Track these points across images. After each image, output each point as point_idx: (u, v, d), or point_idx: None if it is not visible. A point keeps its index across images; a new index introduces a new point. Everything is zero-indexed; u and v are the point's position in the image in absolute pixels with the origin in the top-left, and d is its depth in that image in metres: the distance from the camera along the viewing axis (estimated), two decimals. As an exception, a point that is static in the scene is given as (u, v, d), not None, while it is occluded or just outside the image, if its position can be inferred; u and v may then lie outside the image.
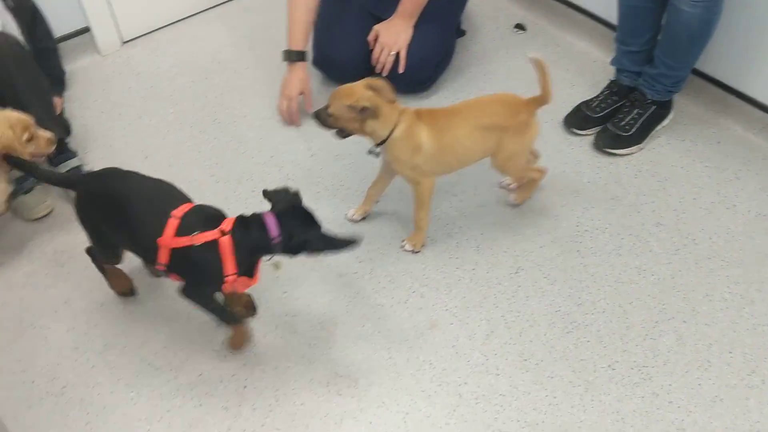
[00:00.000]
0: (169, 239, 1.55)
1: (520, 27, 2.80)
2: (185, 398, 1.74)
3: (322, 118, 1.91)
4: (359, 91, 1.82)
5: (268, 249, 1.56)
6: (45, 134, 1.89)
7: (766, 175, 2.22)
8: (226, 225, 1.55)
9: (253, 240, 1.55)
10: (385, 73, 2.43)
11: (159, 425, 1.70)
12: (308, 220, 1.59)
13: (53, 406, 1.74)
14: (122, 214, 1.61)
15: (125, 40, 2.81)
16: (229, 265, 1.53)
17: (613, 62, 2.39)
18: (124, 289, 1.94)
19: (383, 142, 1.87)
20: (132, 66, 2.72)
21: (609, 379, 1.76)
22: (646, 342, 1.83)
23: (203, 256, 1.54)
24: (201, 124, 2.47)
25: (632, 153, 2.29)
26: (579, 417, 1.69)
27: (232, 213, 2.14)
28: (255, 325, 1.88)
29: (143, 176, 1.70)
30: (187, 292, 1.67)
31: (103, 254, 1.82)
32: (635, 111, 2.30)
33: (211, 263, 1.54)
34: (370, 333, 1.87)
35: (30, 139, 1.84)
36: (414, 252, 2.07)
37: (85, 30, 2.70)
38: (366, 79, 1.86)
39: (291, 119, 2.46)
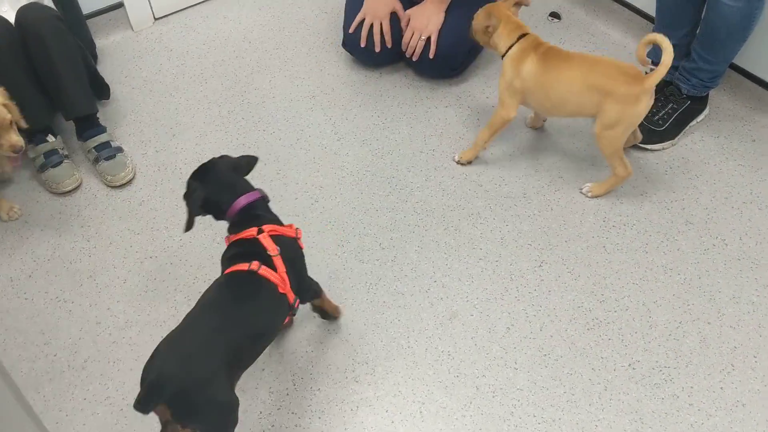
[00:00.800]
0: (285, 283, 1.51)
1: (554, 15, 2.75)
2: (204, 378, 1.76)
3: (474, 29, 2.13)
4: (496, 9, 2.04)
5: (267, 200, 1.62)
6: (11, 139, 1.87)
7: (801, 177, 2.17)
8: (251, 230, 1.53)
9: (269, 213, 1.61)
10: (415, 58, 2.41)
11: (177, 403, 1.72)
12: (225, 169, 1.60)
13: (74, 379, 1.77)
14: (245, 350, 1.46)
15: (157, 16, 2.81)
16: (291, 231, 1.59)
17: (649, 55, 2.33)
18: None
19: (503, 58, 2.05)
20: (164, 43, 2.72)
21: (629, 379, 1.73)
22: (668, 342, 1.80)
23: (290, 248, 1.56)
24: (229, 104, 2.47)
25: (664, 148, 2.25)
26: (597, 416, 1.67)
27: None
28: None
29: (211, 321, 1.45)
30: (308, 284, 1.68)
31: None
32: (669, 105, 2.25)
33: (293, 245, 1.58)
34: (389, 321, 1.86)
35: None
36: (457, 162, 2.23)
37: (119, 5, 2.71)
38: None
39: (386, 39, 2.41)
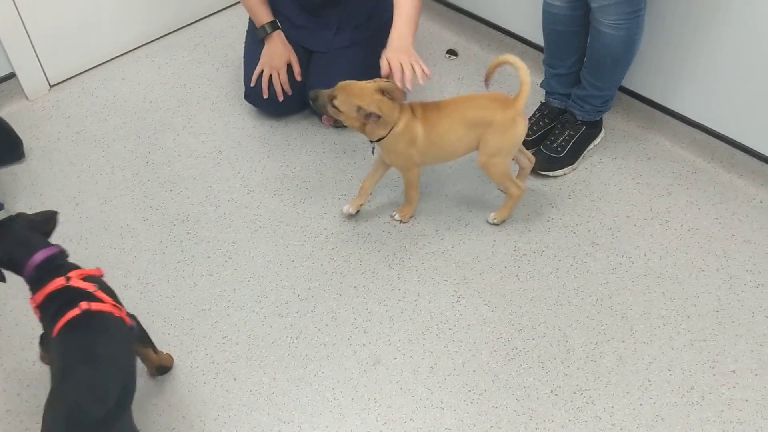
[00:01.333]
0: (120, 309, 1.55)
1: (452, 52, 2.83)
2: (125, 456, 1.69)
3: (322, 102, 1.92)
4: (370, 93, 1.88)
5: (66, 254, 1.61)
6: None
7: (695, 189, 2.27)
8: (57, 281, 1.52)
9: (70, 263, 1.60)
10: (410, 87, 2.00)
11: (98, 486, 1.65)
12: (20, 228, 1.61)
13: (-15, 474, 1.68)
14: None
15: (53, 83, 2.74)
16: (97, 271, 1.60)
17: (543, 85, 2.42)
18: None
19: (380, 138, 1.97)
20: (61, 110, 2.66)
21: (552, 405, 1.76)
22: (587, 365, 1.84)
23: (104, 283, 1.59)
24: (133, 167, 2.43)
25: (566, 174, 2.32)
26: (524, 446, 1.69)
27: (167, 255, 2.12)
28: (194, 374, 1.84)
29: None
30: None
31: None
32: (566, 132, 2.33)
33: (104, 282, 1.61)
34: (313, 374, 1.84)
35: None
36: (401, 222, 2.20)
37: (11, 76, 2.64)
38: (377, 80, 1.91)
39: (284, 88, 2.43)
